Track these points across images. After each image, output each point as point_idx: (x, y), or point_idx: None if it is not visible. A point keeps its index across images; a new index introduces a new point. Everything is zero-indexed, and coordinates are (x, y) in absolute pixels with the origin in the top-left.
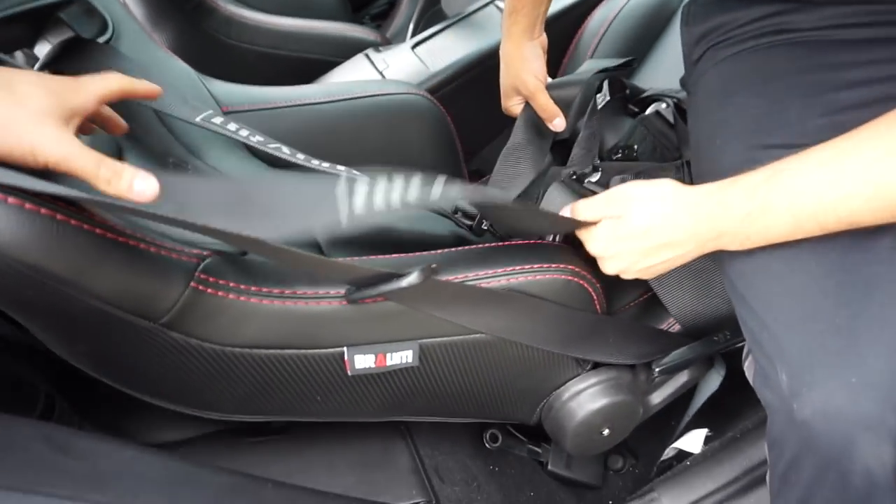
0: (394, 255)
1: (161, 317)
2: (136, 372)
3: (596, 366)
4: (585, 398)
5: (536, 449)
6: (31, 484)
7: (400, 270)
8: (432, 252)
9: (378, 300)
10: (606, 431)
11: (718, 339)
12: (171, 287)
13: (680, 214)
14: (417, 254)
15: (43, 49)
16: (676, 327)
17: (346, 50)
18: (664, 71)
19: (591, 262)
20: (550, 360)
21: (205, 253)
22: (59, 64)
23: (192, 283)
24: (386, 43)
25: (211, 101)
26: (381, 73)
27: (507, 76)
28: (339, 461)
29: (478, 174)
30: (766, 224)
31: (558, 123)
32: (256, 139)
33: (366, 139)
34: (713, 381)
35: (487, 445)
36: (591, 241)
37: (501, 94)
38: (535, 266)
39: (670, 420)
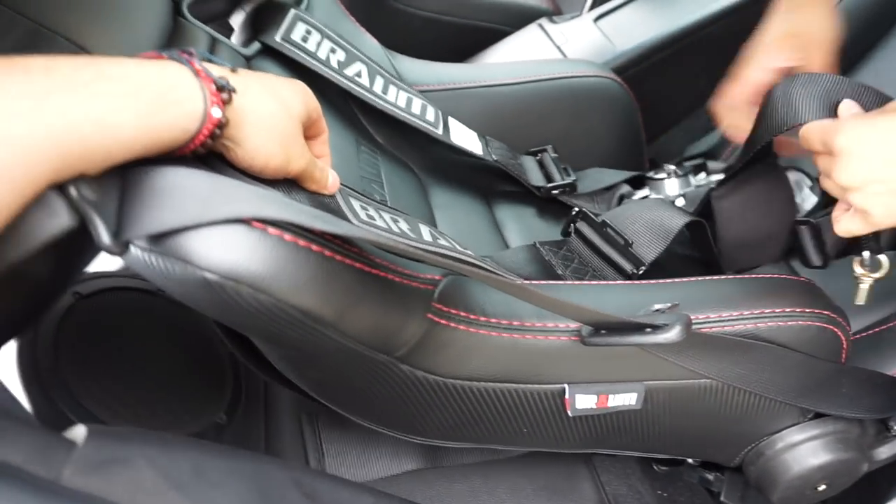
0: (619, 283)
1: (398, 350)
2: (355, 397)
3: (818, 415)
4: (806, 451)
5: (708, 477)
6: None
7: (635, 307)
8: (665, 281)
9: None
10: (822, 487)
11: None
12: (412, 320)
13: None
14: (649, 282)
15: (237, 19)
16: None
17: (518, 19)
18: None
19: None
20: (773, 406)
21: (437, 277)
22: (258, 29)
23: (429, 315)
24: (559, 12)
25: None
26: (558, 47)
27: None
28: (525, 485)
29: (653, 164)
30: None
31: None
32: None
33: (551, 123)
34: None
35: (656, 468)
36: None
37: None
38: (788, 310)
39: (875, 475)
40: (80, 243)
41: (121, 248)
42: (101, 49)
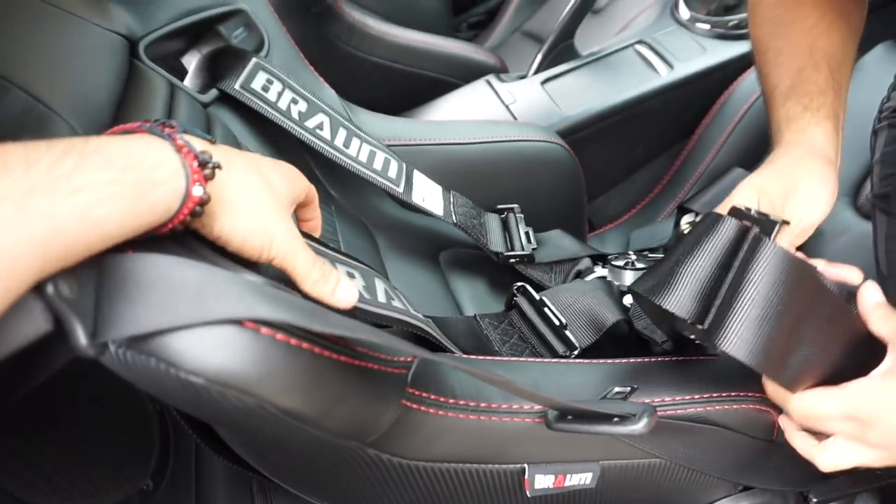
0: (578, 361)
1: (369, 437)
2: (314, 479)
3: (746, 487)
4: None
5: None
6: None
7: (595, 388)
8: (622, 361)
9: None
10: None
11: (881, 473)
12: (388, 408)
13: None
14: (607, 362)
15: (190, 60)
16: None
17: (466, 72)
18: None
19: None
20: (710, 481)
21: (409, 359)
22: (216, 75)
23: (403, 401)
24: (505, 70)
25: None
26: (506, 105)
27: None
28: None
29: (589, 224)
30: None
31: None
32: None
33: (499, 183)
34: None
35: None
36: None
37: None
38: (733, 394)
39: None
40: (53, 345)
41: (98, 349)
42: (57, 98)
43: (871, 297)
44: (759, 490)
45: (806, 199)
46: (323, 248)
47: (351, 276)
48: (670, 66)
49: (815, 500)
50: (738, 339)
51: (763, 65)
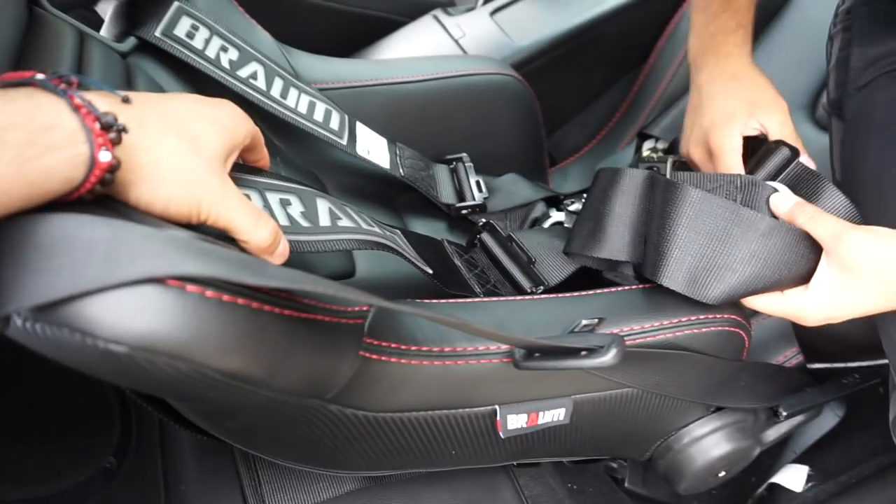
0: (543, 297)
1: (328, 393)
2: (275, 440)
3: (718, 408)
4: (709, 443)
5: (613, 465)
6: None
7: (561, 321)
8: (587, 294)
9: None
10: (723, 474)
11: (848, 382)
12: (345, 361)
13: None
14: (571, 295)
15: (106, 7)
16: (793, 362)
17: (411, 9)
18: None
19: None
20: (682, 405)
21: (364, 309)
22: (134, 22)
23: (361, 352)
24: (452, 3)
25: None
26: (456, 41)
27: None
28: (448, 499)
29: (550, 159)
30: None
31: None
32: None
33: (450, 125)
34: (828, 421)
35: (566, 462)
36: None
37: (687, 135)
38: (702, 318)
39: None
40: None
41: (0, 324)
42: None
43: (784, 203)
44: (731, 410)
45: (773, 98)
46: (255, 179)
47: (286, 202)
48: None
49: (784, 413)
50: (676, 272)
51: None
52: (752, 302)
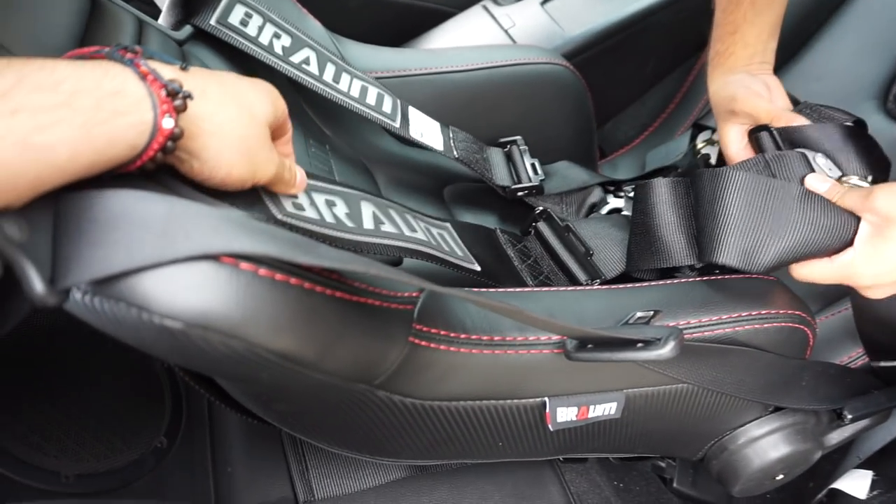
0: (596, 287)
1: (377, 379)
2: (323, 425)
3: (777, 408)
4: (767, 445)
5: (661, 464)
6: None
7: (615, 313)
8: (642, 285)
9: None
10: (780, 477)
11: None
12: (395, 346)
13: None
14: (626, 287)
15: None
16: (859, 363)
17: None
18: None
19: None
20: (739, 403)
21: (415, 294)
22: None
23: (410, 338)
24: None
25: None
26: (505, 30)
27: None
28: (494, 492)
29: (599, 152)
30: None
31: None
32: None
33: (500, 114)
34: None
35: (612, 460)
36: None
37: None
38: (764, 313)
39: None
40: (5, 294)
41: (59, 297)
42: (11, 40)
43: (820, 185)
44: (791, 410)
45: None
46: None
47: (332, 203)
48: None
49: (849, 416)
50: (729, 248)
51: None
52: (801, 270)
